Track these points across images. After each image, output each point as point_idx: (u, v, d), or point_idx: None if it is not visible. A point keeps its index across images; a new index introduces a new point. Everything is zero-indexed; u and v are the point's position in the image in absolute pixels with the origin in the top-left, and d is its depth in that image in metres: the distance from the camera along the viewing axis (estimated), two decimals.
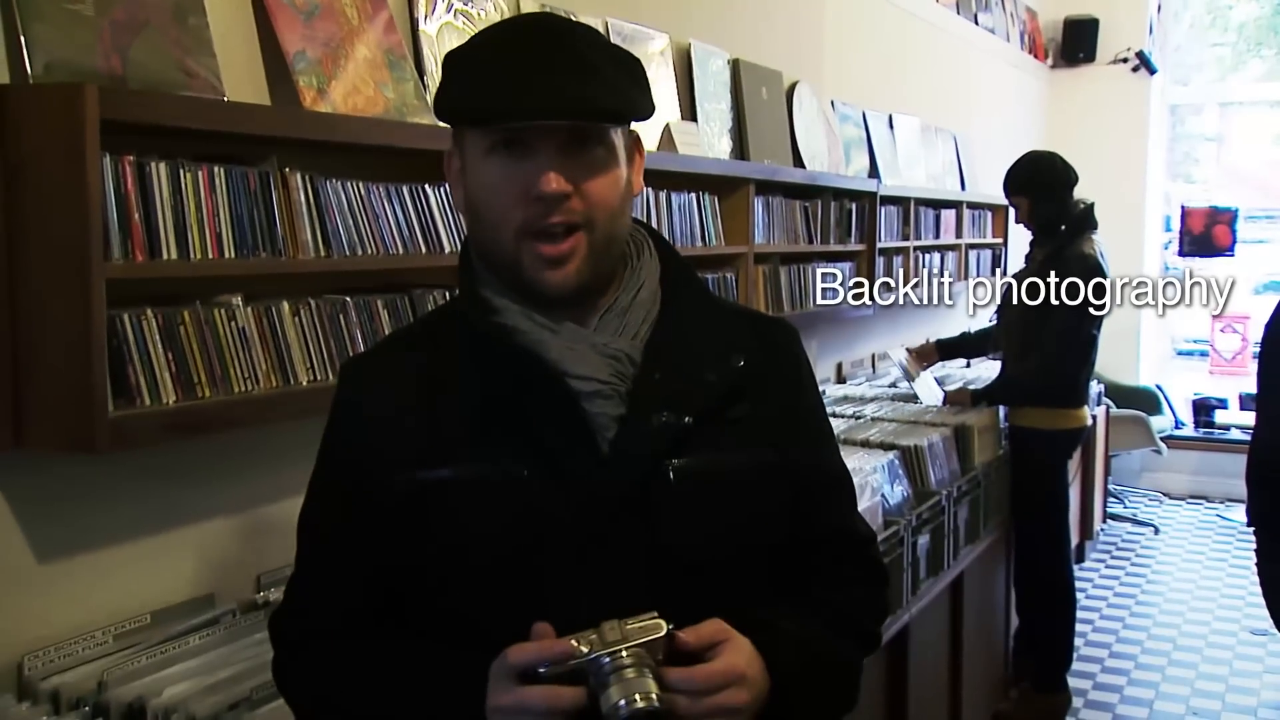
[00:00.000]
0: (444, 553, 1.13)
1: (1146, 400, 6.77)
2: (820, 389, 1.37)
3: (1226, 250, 7.17)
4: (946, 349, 4.41)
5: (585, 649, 1.00)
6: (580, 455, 1.11)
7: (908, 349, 4.35)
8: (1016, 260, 4.90)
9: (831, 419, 3.85)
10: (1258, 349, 2.73)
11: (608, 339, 1.15)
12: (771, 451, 1.19)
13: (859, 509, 1.39)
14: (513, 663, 1.01)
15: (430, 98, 2.21)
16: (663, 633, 1.01)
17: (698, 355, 1.17)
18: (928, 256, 4.76)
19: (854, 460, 3.03)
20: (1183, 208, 7.32)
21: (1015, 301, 4.01)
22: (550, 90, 1.06)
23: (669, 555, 1.11)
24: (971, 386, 4.05)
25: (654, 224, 2.78)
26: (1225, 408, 7.15)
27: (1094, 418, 4.73)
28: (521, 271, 1.12)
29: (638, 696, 0.98)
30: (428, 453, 1.13)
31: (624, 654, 1.00)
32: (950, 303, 4.53)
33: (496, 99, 1.08)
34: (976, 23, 5.91)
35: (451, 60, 1.15)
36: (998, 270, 5.70)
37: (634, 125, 1.18)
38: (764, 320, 1.32)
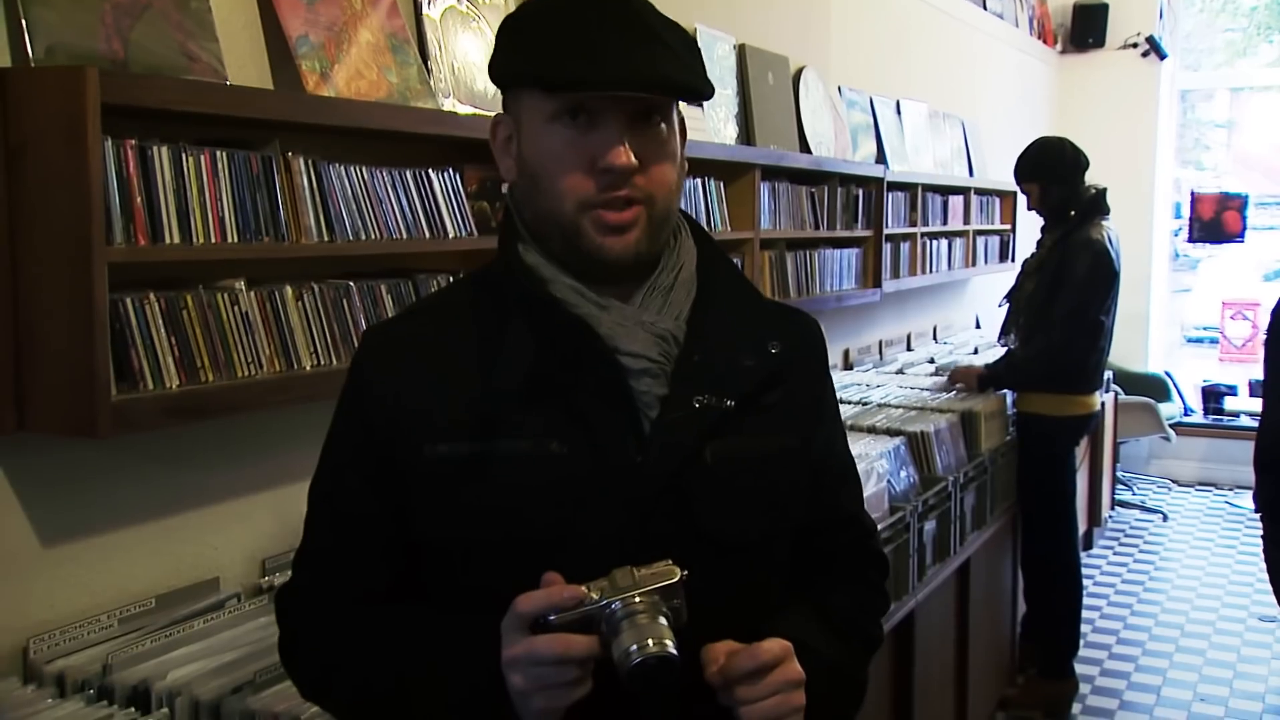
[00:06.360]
0: (477, 528, 1.09)
1: (1155, 387, 6.76)
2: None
3: (1236, 237, 7.15)
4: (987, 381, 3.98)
5: (596, 595, 0.98)
6: (624, 434, 1.10)
7: (952, 377, 4.06)
8: (1024, 247, 4.89)
9: (839, 405, 3.86)
10: (1266, 335, 2.72)
11: (654, 318, 1.13)
12: (797, 438, 1.20)
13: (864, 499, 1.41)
14: (521, 611, 0.99)
15: (434, 82, 2.21)
16: (676, 578, 0.99)
17: (736, 339, 1.16)
18: (935, 243, 4.74)
19: (860, 446, 3.02)
20: (1192, 194, 7.29)
21: (1024, 287, 4.01)
22: (628, 60, 1.04)
23: (703, 537, 1.11)
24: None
25: None
26: (1235, 394, 7.13)
27: (1102, 404, 4.71)
28: (580, 240, 1.09)
29: (650, 643, 0.95)
30: (465, 425, 1.10)
31: (636, 599, 0.97)
32: (957, 288, 4.51)
33: (572, 65, 1.04)
34: (985, 8, 5.88)
35: (513, 23, 1.12)
36: (1007, 260, 5.69)
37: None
38: (791, 310, 1.32)
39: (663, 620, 0.97)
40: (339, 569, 1.17)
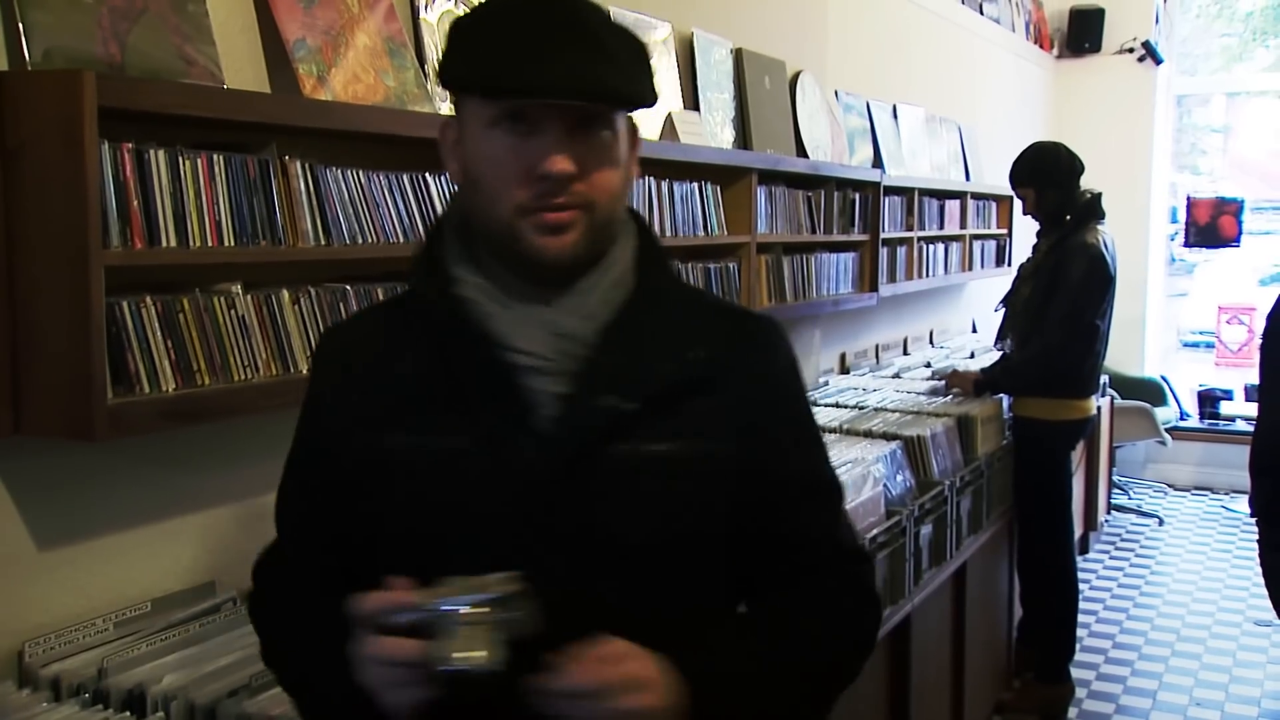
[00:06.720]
0: (387, 520, 1.15)
1: (1152, 391, 6.76)
2: (809, 388, 1.32)
3: (1232, 241, 7.16)
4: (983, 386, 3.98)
5: (428, 601, 0.97)
6: (517, 431, 1.11)
7: (948, 382, 4.06)
8: (1020, 251, 4.89)
9: (835, 409, 3.82)
10: (1261, 340, 2.72)
11: (561, 317, 1.13)
12: (726, 446, 1.16)
13: (855, 514, 1.36)
14: (354, 612, 1.02)
15: (431, 86, 2.21)
16: (513, 589, 0.98)
17: (656, 343, 1.14)
18: (931, 247, 4.74)
19: (857, 450, 3.02)
20: (1188, 199, 7.30)
21: (1020, 291, 4.02)
22: (565, 69, 1.04)
23: (599, 539, 1.11)
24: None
25: (656, 213, 2.77)
26: (1230, 399, 7.14)
27: (1099, 408, 4.71)
28: (518, 244, 1.09)
29: (457, 653, 0.95)
30: (378, 420, 1.15)
31: (460, 610, 0.96)
32: (953, 292, 4.51)
33: (508, 72, 1.05)
34: (981, 12, 5.89)
35: (460, 27, 1.13)
36: (1003, 264, 5.70)
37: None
38: (741, 315, 1.27)
39: (489, 632, 0.96)
40: (293, 550, 1.26)
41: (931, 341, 5.39)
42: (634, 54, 1.11)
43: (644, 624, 1.06)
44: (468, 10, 1.15)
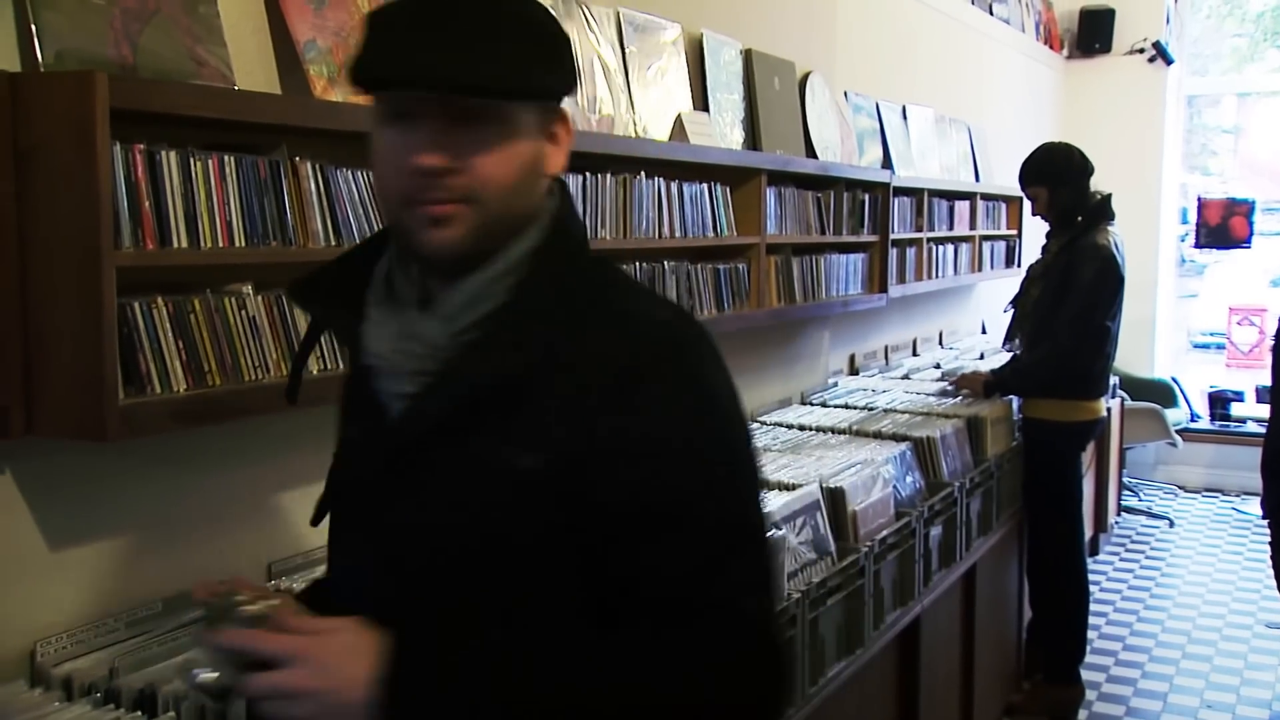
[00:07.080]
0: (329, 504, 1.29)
1: (1162, 393, 6.74)
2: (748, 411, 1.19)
3: (1243, 242, 7.14)
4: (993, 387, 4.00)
5: (212, 602, 1.05)
6: (368, 428, 1.18)
7: (958, 383, 4.08)
8: (1030, 252, 4.88)
9: (845, 410, 3.81)
10: (1273, 341, 2.72)
11: (421, 318, 1.12)
12: (539, 459, 1.06)
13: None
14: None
15: None
16: (259, 612, 1.02)
17: (498, 348, 1.08)
18: (941, 248, 4.73)
19: (866, 452, 3.02)
20: (1199, 199, 7.28)
21: (1029, 292, 4.01)
22: (427, 62, 1.02)
23: (398, 541, 1.13)
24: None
25: (665, 214, 2.77)
26: (1241, 400, 7.12)
27: (1109, 410, 4.70)
28: (409, 237, 1.11)
29: (201, 672, 1.01)
30: (342, 410, 1.28)
31: (210, 622, 1.03)
32: (962, 293, 4.50)
33: (376, 68, 1.06)
34: (991, 13, 5.88)
35: (366, 21, 1.12)
36: (1013, 265, 5.69)
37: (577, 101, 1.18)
38: (631, 321, 1.12)
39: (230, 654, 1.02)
40: None
41: (941, 343, 5.38)
42: (531, 43, 1.07)
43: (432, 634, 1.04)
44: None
